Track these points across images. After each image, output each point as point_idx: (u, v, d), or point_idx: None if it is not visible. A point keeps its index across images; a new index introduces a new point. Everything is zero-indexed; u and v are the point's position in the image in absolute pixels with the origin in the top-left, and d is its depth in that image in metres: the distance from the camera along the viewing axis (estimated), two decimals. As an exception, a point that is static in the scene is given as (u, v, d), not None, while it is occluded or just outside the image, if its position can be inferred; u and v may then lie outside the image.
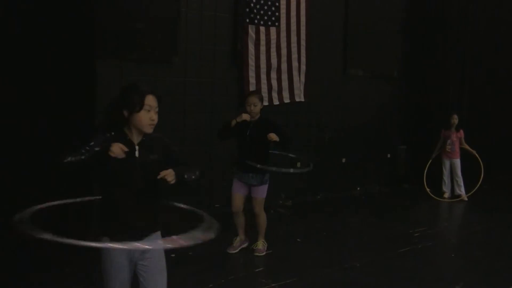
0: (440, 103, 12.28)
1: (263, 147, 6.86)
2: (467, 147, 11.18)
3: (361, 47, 11.51)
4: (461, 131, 11.20)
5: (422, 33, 12.55)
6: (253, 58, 9.67)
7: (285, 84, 10.15)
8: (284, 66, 10.11)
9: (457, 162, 11.22)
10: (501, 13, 12.95)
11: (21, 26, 7.28)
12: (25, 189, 7.36)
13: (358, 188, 11.79)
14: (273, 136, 6.59)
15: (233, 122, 6.83)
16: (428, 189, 11.32)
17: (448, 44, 12.39)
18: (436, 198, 11.13)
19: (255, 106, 6.89)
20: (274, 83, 9.99)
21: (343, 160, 11.49)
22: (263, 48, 9.77)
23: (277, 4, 9.88)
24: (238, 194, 7.02)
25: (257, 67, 9.72)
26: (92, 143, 3.65)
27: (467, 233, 9.19)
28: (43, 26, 7.39)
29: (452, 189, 11.38)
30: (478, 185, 11.04)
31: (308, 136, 10.66)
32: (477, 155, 11.09)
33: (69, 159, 3.63)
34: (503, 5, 12.96)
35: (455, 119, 11.13)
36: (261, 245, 7.18)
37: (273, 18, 9.87)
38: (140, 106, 3.78)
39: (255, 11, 9.58)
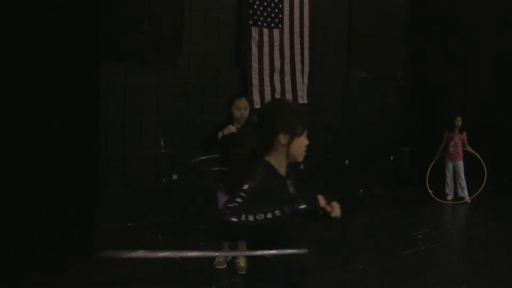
0: (444, 105, 12.27)
1: None
2: (470, 149, 11.17)
3: (365, 48, 11.50)
4: (464, 133, 11.19)
5: (425, 35, 12.53)
6: (256, 59, 9.68)
7: (288, 85, 10.15)
8: (287, 67, 10.11)
9: (460, 164, 11.20)
10: (506, 14, 12.93)
11: (25, 27, 7.29)
12: (30, 190, 7.38)
13: (361, 190, 11.78)
14: None
15: (220, 135, 6.16)
16: (430, 191, 11.31)
17: (451, 46, 12.38)
18: (439, 200, 11.12)
19: (246, 110, 6.26)
20: (277, 84, 9.99)
21: (346, 161, 11.48)
22: (266, 50, 9.78)
23: (280, 5, 9.89)
24: None
25: (260, 68, 9.73)
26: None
27: (470, 235, 9.18)
28: (47, 27, 7.39)
29: (455, 191, 11.37)
30: (481, 188, 11.03)
31: (311, 138, 10.63)
32: (480, 157, 11.08)
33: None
34: (507, 6, 12.95)
35: (459, 121, 11.12)
36: (243, 263, 6.51)
37: (277, 20, 9.88)
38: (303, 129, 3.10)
39: (258, 12, 9.59)
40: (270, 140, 3.02)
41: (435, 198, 11.21)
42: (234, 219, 2.76)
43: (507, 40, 12.98)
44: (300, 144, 3.08)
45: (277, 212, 2.80)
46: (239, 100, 6.23)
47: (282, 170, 3.10)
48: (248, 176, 2.90)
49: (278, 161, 3.07)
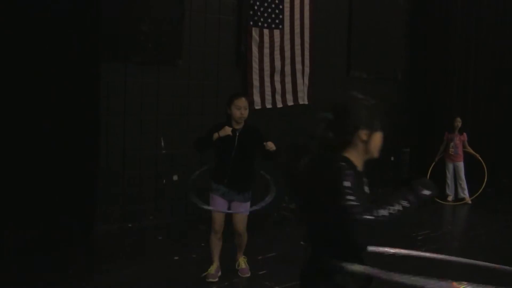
0: (444, 106, 12.27)
1: (251, 159, 6.16)
2: (470, 150, 11.17)
3: (365, 49, 11.51)
4: (464, 134, 11.19)
5: (425, 36, 12.55)
6: (257, 60, 9.68)
7: (288, 86, 10.15)
8: (287, 68, 10.11)
9: (461, 165, 11.21)
10: (505, 15, 12.93)
11: (26, 28, 7.30)
12: (30, 191, 7.39)
13: (361, 191, 11.75)
14: (272, 145, 5.87)
15: (215, 136, 5.93)
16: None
17: (451, 47, 12.38)
18: (439, 201, 11.11)
19: (245, 110, 6.07)
20: (278, 85, 9.99)
21: (346, 162, 11.46)
22: (266, 51, 9.78)
23: (281, 6, 9.89)
24: (220, 212, 6.12)
25: (261, 69, 9.73)
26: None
27: (470, 236, 9.18)
28: (47, 28, 7.40)
29: (456, 192, 11.37)
30: (481, 188, 11.02)
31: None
32: (480, 158, 11.08)
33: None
34: (507, 7, 12.94)
35: (459, 122, 11.13)
36: (244, 264, 6.48)
37: (277, 21, 9.88)
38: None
39: (259, 13, 9.59)
40: (350, 136, 2.93)
41: (436, 199, 11.21)
42: (369, 217, 2.66)
43: (507, 40, 12.97)
44: (378, 139, 2.98)
45: (405, 203, 2.77)
46: (238, 99, 6.05)
47: (360, 167, 3.05)
48: (339, 173, 2.77)
49: (356, 158, 3.00)
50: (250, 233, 8.18)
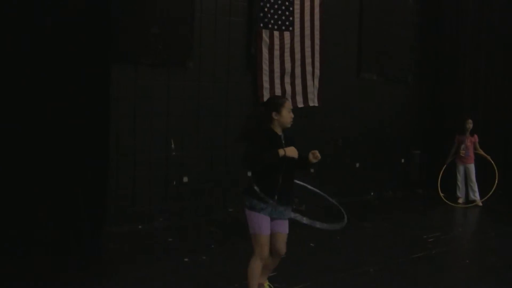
0: (455, 108, 12.23)
1: (294, 171, 5.50)
2: (481, 152, 11.13)
3: (375, 51, 11.50)
4: (475, 136, 11.15)
5: (436, 38, 12.51)
6: (267, 62, 9.68)
7: (299, 88, 10.15)
8: (298, 70, 10.11)
9: (472, 167, 11.17)
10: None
11: (37, 30, 7.33)
12: (41, 192, 7.41)
13: (372, 193, 11.75)
14: (318, 155, 5.29)
15: (281, 154, 5.15)
16: (442, 195, 11.27)
17: (462, 48, 12.34)
18: (450, 203, 11.08)
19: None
20: (288, 87, 10.00)
21: (357, 164, 11.47)
22: (277, 53, 9.78)
23: (291, 8, 9.90)
24: (268, 234, 5.36)
25: (271, 71, 9.73)
26: None
27: (481, 239, 9.13)
28: (59, 30, 7.43)
29: (467, 195, 11.33)
30: (492, 190, 10.97)
31: (322, 140, 10.64)
32: (491, 160, 11.04)
33: None
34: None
35: (470, 124, 11.10)
36: None
37: (287, 23, 9.88)
38: None
39: (269, 15, 9.60)
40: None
41: (446, 201, 11.17)
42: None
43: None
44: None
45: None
46: (288, 102, 5.46)
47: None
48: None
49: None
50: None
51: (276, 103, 5.40)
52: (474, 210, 10.95)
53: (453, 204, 11.08)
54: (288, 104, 5.40)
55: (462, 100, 12.31)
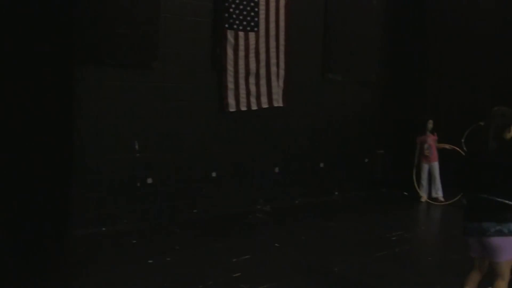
0: (417, 108, 12.36)
1: None
2: (442, 144, 11.31)
3: (340, 52, 11.56)
4: (435, 134, 11.37)
5: (400, 39, 12.64)
6: (232, 63, 9.69)
7: (263, 89, 10.18)
8: (262, 71, 10.13)
9: (436, 165, 11.36)
10: (481, 18, 13.05)
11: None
12: (3, 194, 7.32)
13: (336, 193, 11.83)
14: None
15: None
16: (421, 194, 11.42)
17: (427, 49, 12.48)
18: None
19: None
20: (253, 88, 10.02)
21: (321, 164, 11.53)
22: (242, 53, 9.79)
23: (256, 9, 9.91)
24: None
25: (236, 72, 9.74)
26: None
27: (444, 236, 9.29)
28: (22, 30, 7.34)
29: (430, 192, 11.50)
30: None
31: (286, 141, 10.69)
32: (456, 147, 11.19)
33: None
34: (479, 12, 13.08)
35: (431, 124, 11.33)
36: None
37: (252, 23, 9.90)
38: None
39: (234, 16, 9.60)
40: None
41: (410, 199, 11.33)
42: None
43: (479, 44, 13.09)
44: None
45: None
46: None
47: None
48: None
49: None
50: (226, 236, 8.26)
51: None
52: (437, 208, 11.11)
53: (417, 202, 11.25)
54: None
55: (424, 100, 12.45)
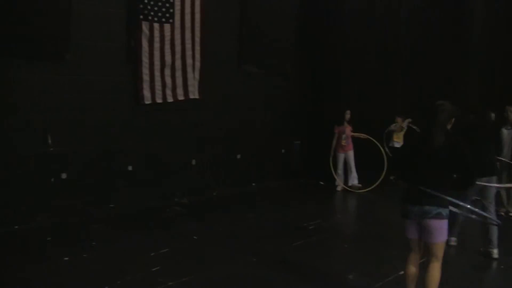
0: (332, 99, 12.59)
1: None
2: (357, 134, 11.62)
3: (256, 44, 11.65)
4: (350, 125, 11.66)
5: (314, 32, 12.83)
6: (147, 55, 9.58)
7: (179, 81, 10.12)
8: (178, 63, 10.07)
9: (351, 153, 11.68)
10: (389, 14, 13.43)
11: None
12: None
13: (254, 184, 11.92)
14: None
15: None
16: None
17: (343, 41, 12.69)
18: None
19: None
20: (168, 80, 9.94)
21: (238, 156, 11.59)
22: (157, 45, 9.69)
23: (171, 0, 9.82)
24: None
25: (151, 64, 9.64)
26: None
27: (360, 224, 9.53)
28: None
29: (346, 180, 11.77)
30: (382, 177, 11.29)
31: (203, 133, 10.67)
32: (370, 137, 11.51)
33: None
34: (391, 6, 13.46)
35: (348, 115, 11.62)
36: None
37: (167, 15, 9.80)
38: None
39: (149, 7, 9.48)
40: None
41: (327, 188, 11.55)
42: None
43: (389, 36, 13.45)
44: None
45: None
46: None
47: None
48: None
49: None
50: (143, 230, 8.17)
51: None
52: (353, 196, 11.39)
53: (334, 191, 11.50)
54: None
55: (339, 91, 12.69)
